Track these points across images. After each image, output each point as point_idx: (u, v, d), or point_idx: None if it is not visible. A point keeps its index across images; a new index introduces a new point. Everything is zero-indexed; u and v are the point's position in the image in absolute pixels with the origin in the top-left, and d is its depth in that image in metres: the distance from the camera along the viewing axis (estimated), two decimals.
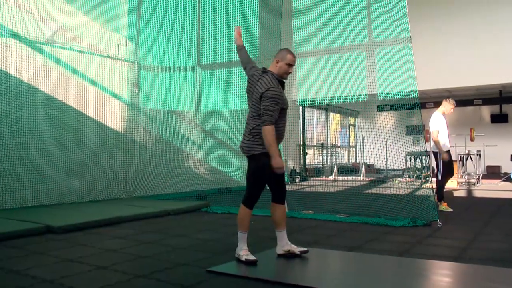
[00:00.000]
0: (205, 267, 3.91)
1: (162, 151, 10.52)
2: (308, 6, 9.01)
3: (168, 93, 10.75)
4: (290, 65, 4.06)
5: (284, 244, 4.22)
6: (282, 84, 4.15)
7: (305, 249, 4.27)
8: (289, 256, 4.20)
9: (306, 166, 16.35)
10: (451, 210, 7.32)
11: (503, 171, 17.70)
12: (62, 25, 8.65)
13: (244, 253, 4.05)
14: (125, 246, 4.96)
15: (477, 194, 7.95)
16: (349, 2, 8.42)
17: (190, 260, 4.27)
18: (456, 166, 11.19)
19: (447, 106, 7.62)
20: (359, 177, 15.28)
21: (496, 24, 13.96)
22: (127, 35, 10.29)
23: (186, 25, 10.70)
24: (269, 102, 3.88)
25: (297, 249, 4.23)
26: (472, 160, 13.77)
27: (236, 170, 11.26)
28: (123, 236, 5.52)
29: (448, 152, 7.46)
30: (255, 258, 4.01)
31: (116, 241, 5.23)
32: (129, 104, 10.17)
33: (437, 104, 17.88)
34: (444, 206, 7.39)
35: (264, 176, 4.04)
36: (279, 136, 4.05)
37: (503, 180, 13.68)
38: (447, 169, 7.47)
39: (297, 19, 9.25)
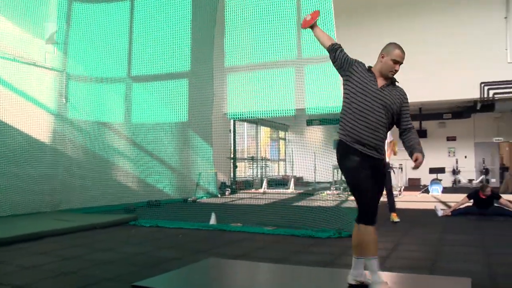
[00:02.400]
0: (131, 282, 3.84)
1: (89, 163, 10.20)
2: (241, 22, 9.19)
3: (97, 104, 10.49)
4: (397, 61, 3.44)
5: (357, 275, 3.56)
6: (392, 83, 3.56)
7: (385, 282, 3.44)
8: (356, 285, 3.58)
9: (236, 179, 16.46)
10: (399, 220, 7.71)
11: (422, 183, 18.80)
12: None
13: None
14: (46, 262, 4.75)
15: (399, 205, 8.41)
16: (279, 20, 8.69)
17: (116, 275, 4.18)
18: None
19: None
20: (288, 190, 15.57)
21: (417, 47, 14.85)
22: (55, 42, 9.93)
23: (118, 35, 10.54)
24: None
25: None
26: (394, 173, 14.48)
27: (165, 183, 11.14)
28: (45, 252, 5.29)
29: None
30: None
31: (37, 257, 5.00)
32: (56, 115, 9.81)
33: None
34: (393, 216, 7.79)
35: (356, 178, 3.40)
36: (361, 139, 3.43)
37: (422, 192, 14.54)
38: None
39: (230, 34, 9.39)
